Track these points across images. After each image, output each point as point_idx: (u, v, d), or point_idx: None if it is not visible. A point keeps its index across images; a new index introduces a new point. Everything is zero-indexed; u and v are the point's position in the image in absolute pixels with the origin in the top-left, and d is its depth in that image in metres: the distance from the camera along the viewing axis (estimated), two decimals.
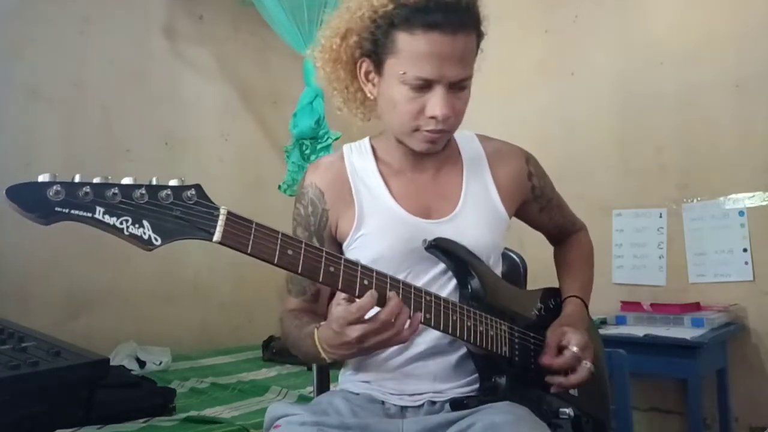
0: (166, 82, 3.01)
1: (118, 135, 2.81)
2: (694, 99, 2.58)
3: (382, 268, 0.98)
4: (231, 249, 0.85)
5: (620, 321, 2.45)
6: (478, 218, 1.17)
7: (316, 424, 1.02)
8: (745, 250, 2.44)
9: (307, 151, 2.73)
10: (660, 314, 2.40)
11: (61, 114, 2.65)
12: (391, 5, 1.05)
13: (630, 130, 2.75)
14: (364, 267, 0.95)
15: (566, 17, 2.94)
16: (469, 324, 1.05)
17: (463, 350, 1.13)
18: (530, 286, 1.36)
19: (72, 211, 0.76)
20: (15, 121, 2.51)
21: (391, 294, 0.94)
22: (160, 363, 2.46)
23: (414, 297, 0.98)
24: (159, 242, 0.80)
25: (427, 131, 1.08)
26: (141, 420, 1.74)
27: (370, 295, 0.93)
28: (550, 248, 1.43)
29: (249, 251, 0.85)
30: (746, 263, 2.43)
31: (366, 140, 1.25)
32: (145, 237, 0.79)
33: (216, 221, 0.83)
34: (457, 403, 1.09)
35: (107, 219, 0.77)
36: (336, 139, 2.71)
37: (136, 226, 0.79)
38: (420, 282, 1.09)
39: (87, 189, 0.76)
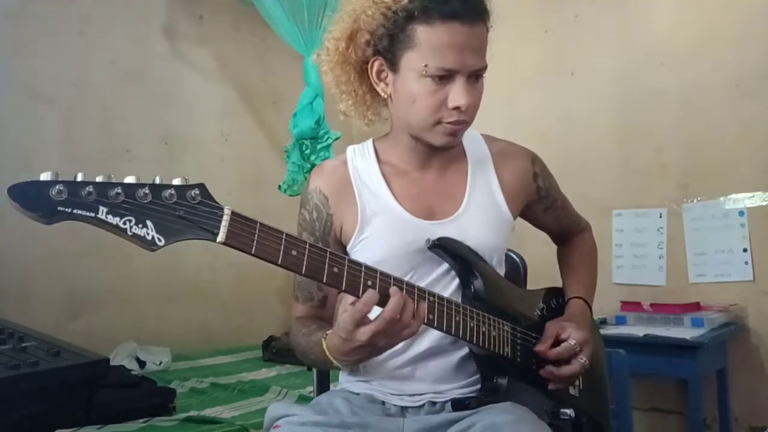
0: (166, 82, 3.01)
1: (118, 135, 2.80)
2: (694, 99, 2.58)
3: (385, 270, 0.97)
4: (235, 249, 0.84)
5: (620, 321, 2.45)
6: (481, 219, 1.17)
7: (316, 424, 1.02)
8: (745, 250, 2.44)
9: (307, 151, 2.73)
10: (660, 314, 2.40)
11: (61, 114, 2.64)
12: None
13: (630, 130, 2.75)
14: (368, 267, 0.95)
15: (566, 17, 2.94)
16: (471, 324, 1.05)
17: (465, 351, 1.13)
18: (530, 286, 1.36)
19: (75, 211, 0.74)
20: (15, 121, 2.51)
21: (392, 290, 0.94)
22: (160, 363, 2.46)
23: (417, 297, 0.98)
24: (162, 242, 0.79)
25: (449, 123, 1.08)
26: (141, 420, 1.75)
27: (372, 292, 0.92)
28: (551, 248, 1.43)
29: (253, 252, 0.84)
30: (746, 263, 2.43)
31: (369, 142, 1.24)
32: (149, 237, 0.78)
33: (220, 221, 0.82)
34: (458, 404, 1.09)
35: (110, 219, 0.76)
36: (336, 139, 2.71)
37: (140, 226, 0.78)
38: (423, 283, 1.08)
39: (90, 188, 0.75)
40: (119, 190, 0.77)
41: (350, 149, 1.24)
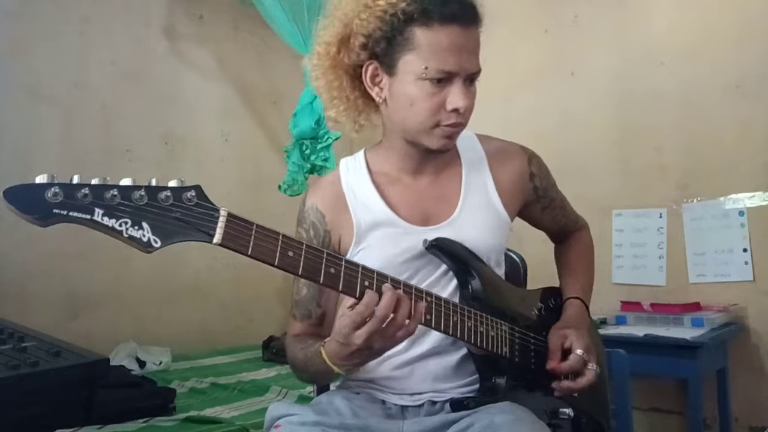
0: (166, 82, 3.01)
1: (118, 135, 2.80)
2: (694, 99, 2.57)
3: None
4: (231, 251, 0.84)
5: (620, 321, 2.45)
6: (477, 220, 1.16)
7: (316, 424, 1.02)
8: (745, 250, 2.44)
9: (307, 151, 2.73)
10: (660, 314, 2.40)
11: (61, 114, 2.64)
12: (404, 2, 1.04)
13: (630, 130, 2.75)
14: (365, 268, 0.95)
15: (566, 17, 2.94)
16: (469, 324, 1.05)
17: (464, 350, 1.13)
18: (530, 285, 1.36)
19: (70, 213, 0.74)
20: (15, 121, 2.51)
21: (385, 287, 0.93)
22: (160, 363, 2.46)
23: (414, 298, 0.98)
24: (159, 244, 0.79)
25: (447, 125, 1.08)
26: (141, 420, 1.74)
27: (371, 293, 0.92)
28: (550, 247, 1.43)
29: (249, 253, 0.85)
30: (746, 263, 2.43)
31: (361, 153, 1.24)
32: (145, 239, 0.78)
33: (216, 223, 0.82)
34: (457, 404, 1.08)
35: (106, 221, 0.76)
36: (336, 139, 2.71)
37: (136, 228, 0.78)
38: (421, 285, 1.08)
39: (86, 190, 0.75)
40: (115, 192, 0.77)
41: (342, 163, 1.24)
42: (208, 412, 1.94)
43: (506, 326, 1.12)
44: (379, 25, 1.07)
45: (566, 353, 1.14)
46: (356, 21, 1.09)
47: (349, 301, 0.96)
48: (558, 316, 1.24)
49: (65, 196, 0.74)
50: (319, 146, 2.70)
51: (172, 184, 0.82)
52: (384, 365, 1.15)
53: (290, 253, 0.88)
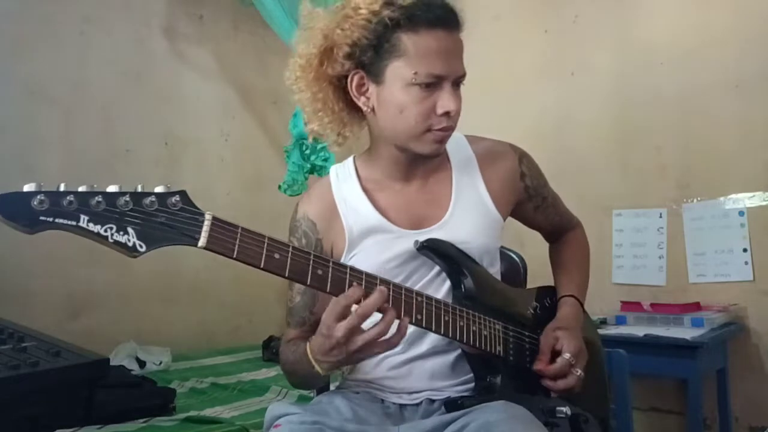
0: (166, 82, 3.01)
1: (118, 135, 2.80)
2: (694, 99, 2.57)
3: None
4: (217, 254, 0.86)
5: (620, 321, 2.45)
6: (469, 222, 1.17)
7: (316, 424, 1.02)
8: (745, 250, 2.44)
9: (307, 151, 2.73)
10: (660, 314, 2.39)
11: (61, 114, 2.64)
12: (387, 9, 1.05)
13: (630, 130, 2.74)
14: (353, 269, 0.95)
15: (566, 17, 2.94)
16: (461, 324, 1.05)
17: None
18: (531, 285, 1.36)
19: (56, 220, 0.77)
20: (15, 121, 2.51)
21: (379, 289, 0.94)
22: (160, 363, 2.46)
23: (405, 298, 0.98)
24: (144, 249, 0.81)
25: (439, 130, 1.08)
26: (141, 420, 1.74)
27: (356, 286, 0.93)
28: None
29: (234, 256, 0.87)
30: (746, 263, 2.43)
31: (350, 160, 1.25)
32: (130, 244, 0.80)
33: (201, 227, 0.85)
34: (451, 404, 1.08)
35: (91, 227, 0.79)
36: None
37: (121, 233, 0.80)
38: (414, 287, 1.08)
39: (71, 198, 0.78)
40: (100, 199, 0.79)
41: (332, 171, 1.24)
42: (208, 412, 1.94)
43: (500, 325, 1.12)
44: (363, 34, 1.07)
45: (557, 355, 1.14)
46: (337, 32, 1.09)
47: None
48: (553, 315, 1.24)
49: (51, 203, 0.77)
50: (319, 146, 2.70)
51: (158, 189, 0.84)
52: (382, 365, 1.15)
53: (276, 256, 0.89)
